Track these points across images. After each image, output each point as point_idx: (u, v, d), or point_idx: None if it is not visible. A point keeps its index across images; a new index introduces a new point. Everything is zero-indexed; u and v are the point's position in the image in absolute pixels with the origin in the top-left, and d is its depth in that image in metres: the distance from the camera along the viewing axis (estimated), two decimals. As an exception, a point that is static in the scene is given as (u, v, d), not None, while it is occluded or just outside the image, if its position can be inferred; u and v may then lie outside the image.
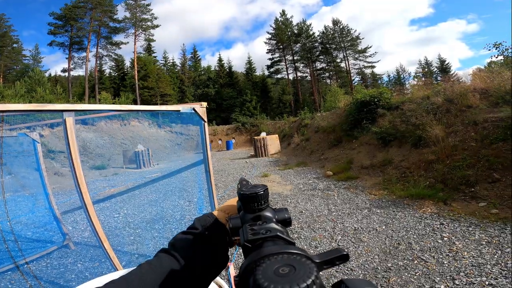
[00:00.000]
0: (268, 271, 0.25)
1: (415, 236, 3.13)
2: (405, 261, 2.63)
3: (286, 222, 0.41)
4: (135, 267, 0.42)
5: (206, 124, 2.48)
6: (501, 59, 8.24)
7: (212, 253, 0.45)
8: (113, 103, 24.35)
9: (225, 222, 0.48)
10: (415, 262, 2.60)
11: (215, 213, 0.51)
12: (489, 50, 7.74)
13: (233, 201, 0.53)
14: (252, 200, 0.41)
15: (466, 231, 3.09)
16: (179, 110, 2.31)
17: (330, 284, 0.27)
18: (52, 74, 34.69)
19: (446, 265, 2.47)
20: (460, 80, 11.74)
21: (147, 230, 4.10)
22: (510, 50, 7.48)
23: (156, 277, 0.39)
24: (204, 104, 2.49)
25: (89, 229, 3.93)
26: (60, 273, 2.82)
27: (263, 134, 16.33)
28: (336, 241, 3.25)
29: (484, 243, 2.77)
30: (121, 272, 1.24)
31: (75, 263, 3.01)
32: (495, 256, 2.49)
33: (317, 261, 0.29)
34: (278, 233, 0.34)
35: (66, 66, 32.58)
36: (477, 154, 4.70)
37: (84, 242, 3.66)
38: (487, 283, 2.13)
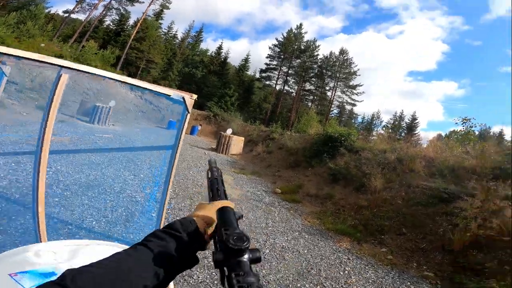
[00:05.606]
0: None
1: (325, 265, 3.66)
2: (311, 285, 3.09)
3: (256, 261, 0.45)
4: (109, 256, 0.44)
5: (188, 115, 2.61)
6: (462, 132, 8.95)
7: (188, 259, 0.50)
8: (95, 54, 24.12)
9: (203, 230, 0.52)
10: (318, 287, 3.08)
11: (196, 219, 0.53)
12: (456, 123, 8.52)
13: (210, 209, 0.55)
14: (237, 253, 0.43)
15: (363, 268, 3.73)
16: (170, 95, 2.43)
17: None
18: (52, 12, 30.88)
19: (338, 294, 2.99)
20: (418, 143, 12.89)
21: (77, 195, 3.69)
22: (473, 128, 8.47)
23: (135, 269, 0.43)
24: (194, 96, 2.60)
25: (8, 178, 3.54)
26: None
27: (229, 131, 16.12)
28: (264, 253, 3.57)
29: (370, 281, 3.40)
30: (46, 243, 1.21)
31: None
32: (375, 295, 3.10)
33: None
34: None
35: (71, 8, 29.49)
36: (398, 211, 5.57)
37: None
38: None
